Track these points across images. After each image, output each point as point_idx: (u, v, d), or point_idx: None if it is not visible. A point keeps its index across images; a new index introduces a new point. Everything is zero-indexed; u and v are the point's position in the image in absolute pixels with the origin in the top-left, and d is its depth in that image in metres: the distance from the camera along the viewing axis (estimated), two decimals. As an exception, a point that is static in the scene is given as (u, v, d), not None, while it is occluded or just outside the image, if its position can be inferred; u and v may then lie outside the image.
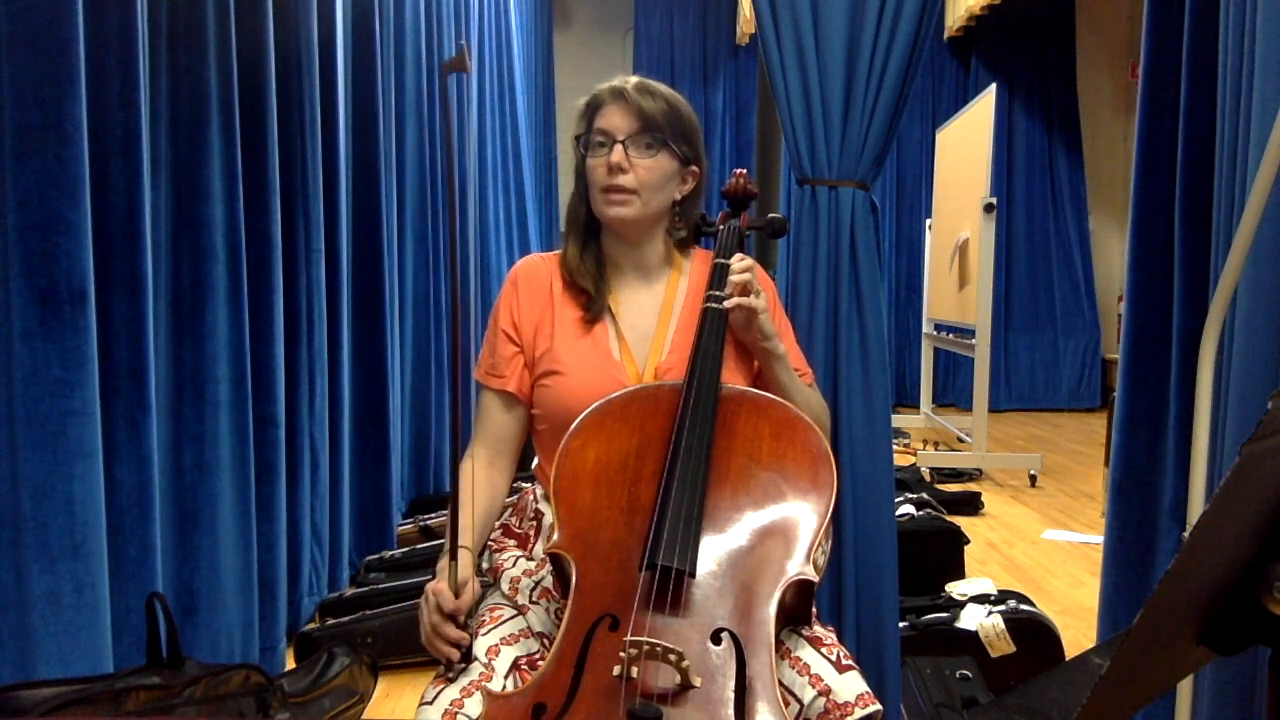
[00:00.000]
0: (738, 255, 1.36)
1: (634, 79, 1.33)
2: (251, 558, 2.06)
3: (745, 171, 1.53)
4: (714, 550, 1.09)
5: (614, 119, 1.30)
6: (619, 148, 1.29)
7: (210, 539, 1.92)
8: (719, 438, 1.18)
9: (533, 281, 1.38)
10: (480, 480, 1.30)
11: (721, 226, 1.45)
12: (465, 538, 1.18)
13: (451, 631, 1.11)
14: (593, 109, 1.34)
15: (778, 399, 1.28)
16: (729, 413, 1.22)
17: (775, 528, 1.11)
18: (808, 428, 1.22)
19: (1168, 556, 1.65)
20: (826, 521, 1.12)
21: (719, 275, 1.33)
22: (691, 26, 7.25)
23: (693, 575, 1.04)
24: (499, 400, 1.35)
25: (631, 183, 1.30)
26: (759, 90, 3.42)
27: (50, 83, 1.39)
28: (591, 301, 1.35)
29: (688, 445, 1.14)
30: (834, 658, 1.11)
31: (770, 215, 1.56)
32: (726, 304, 1.29)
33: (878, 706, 1.06)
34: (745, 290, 1.30)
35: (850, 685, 1.07)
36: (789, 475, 1.16)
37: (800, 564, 1.07)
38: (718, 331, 1.28)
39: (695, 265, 1.43)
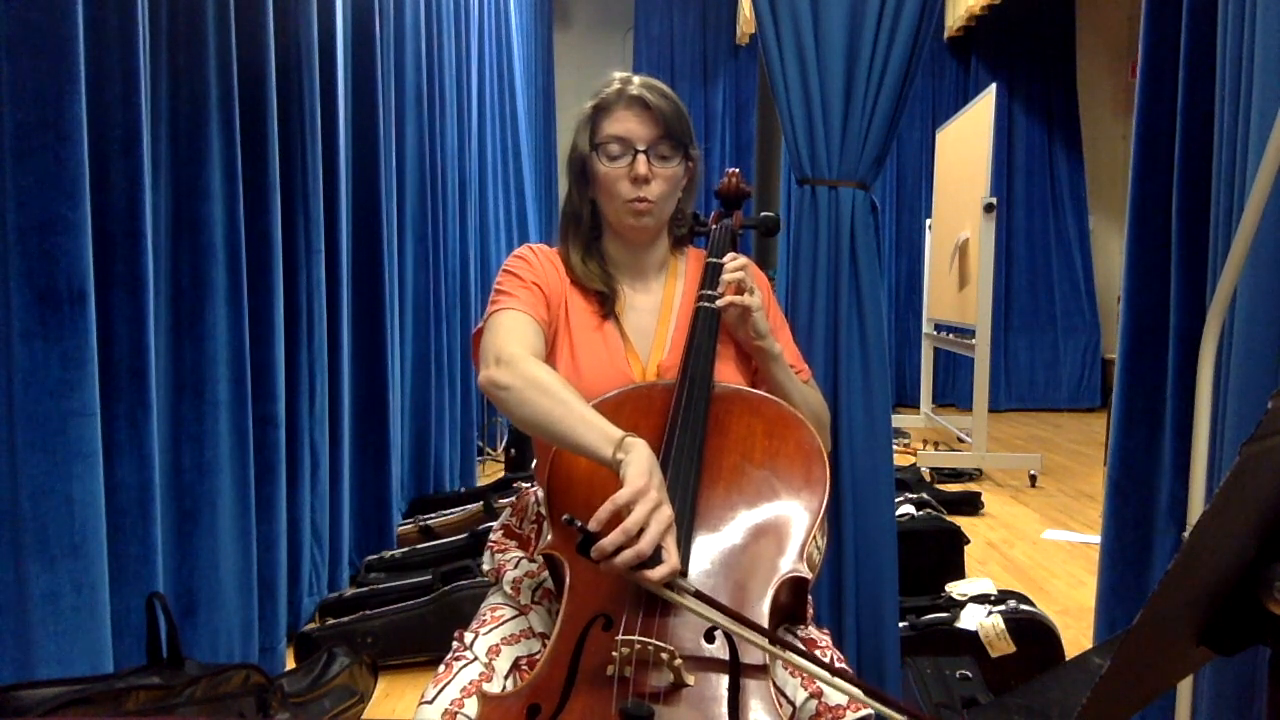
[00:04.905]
0: (730, 254, 1.36)
1: (637, 79, 1.31)
2: (251, 558, 2.06)
3: (738, 171, 1.53)
4: (707, 549, 1.09)
5: (632, 126, 1.28)
6: (642, 158, 1.27)
7: (210, 539, 1.92)
8: (712, 436, 1.18)
9: (550, 265, 1.36)
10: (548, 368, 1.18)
11: (714, 226, 1.45)
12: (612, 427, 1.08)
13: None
14: (600, 112, 1.31)
15: (771, 397, 1.28)
16: (722, 411, 1.22)
17: (768, 526, 1.11)
18: (801, 425, 1.22)
19: (1165, 556, 1.65)
20: (820, 518, 1.12)
21: (711, 274, 1.33)
22: (691, 26, 7.25)
23: (684, 574, 1.04)
24: (531, 322, 1.25)
25: (655, 193, 1.28)
26: (759, 90, 3.43)
27: (50, 82, 1.39)
28: (606, 299, 1.34)
29: (680, 444, 1.14)
30: (827, 660, 1.11)
31: (763, 214, 1.56)
32: (719, 302, 1.29)
33: (869, 710, 1.06)
34: (739, 289, 1.30)
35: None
36: (782, 473, 1.16)
37: (793, 561, 1.07)
38: (711, 330, 1.28)
39: (691, 264, 1.43)
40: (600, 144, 1.30)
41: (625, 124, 1.28)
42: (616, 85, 1.31)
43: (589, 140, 1.31)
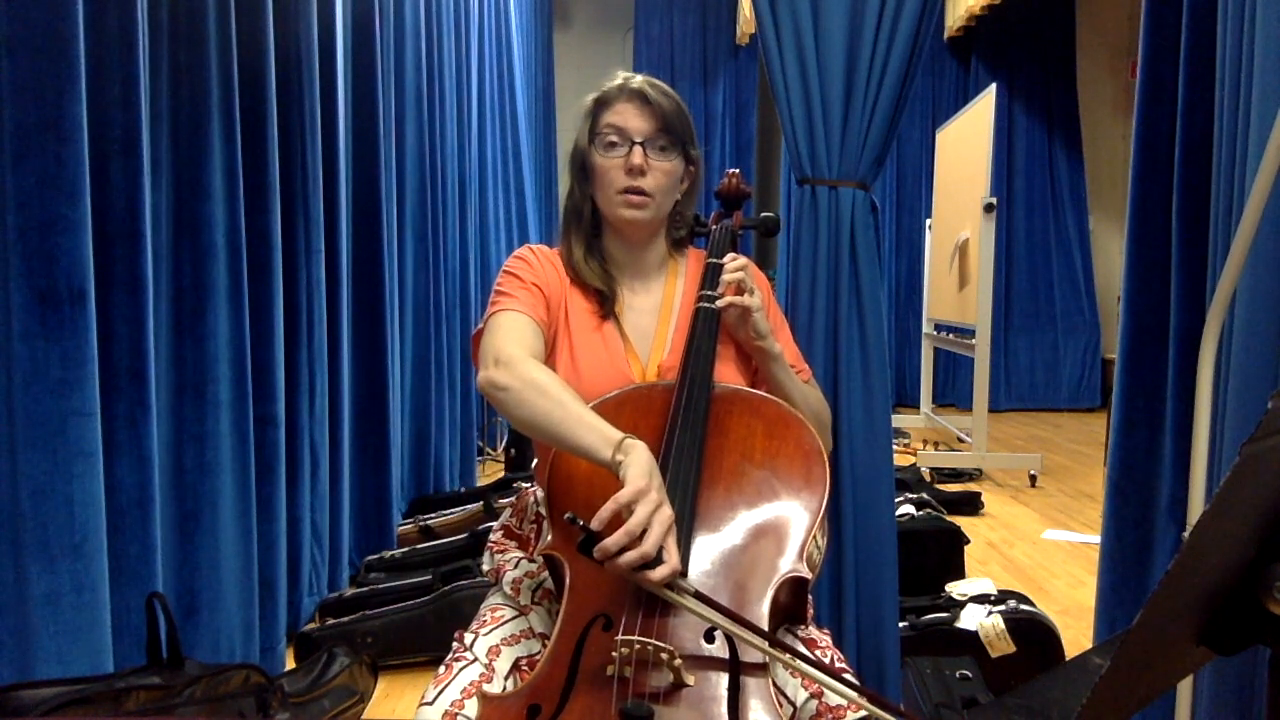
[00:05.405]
0: (730, 254, 1.36)
1: (639, 77, 1.33)
2: (251, 558, 2.06)
3: (739, 171, 1.53)
4: (707, 549, 1.09)
5: (630, 119, 1.29)
6: (638, 149, 1.28)
7: (210, 539, 1.92)
8: (712, 437, 1.18)
9: (549, 266, 1.36)
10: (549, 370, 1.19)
11: (714, 226, 1.45)
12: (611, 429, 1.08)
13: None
14: (601, 106, 1.32)
15: (771, 397, 1.28)
16: (722, 411, 1.22)
17: (768, 526, 1.11)
18: (801, 425, 1.22)
19: (1165, 556, 1.65)
20: (820, 518, 1.12)
21: (711, 275, 1.34)
22: (691, 26, 7.25)
23: (684, 574, 1.04)
24: (531, 323, 1.26)
25: (650, 186, 1.29)
26: (759, 90, 3.42)
27: (50, 83, 1.39)
28: (605, 299, 1.34)
29: (680, 444, 1.14)
30: (827, 660, 1.11)
31: (763, 214, 1.56)
32: (719, 303, 1.29)
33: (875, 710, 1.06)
34: (739, 289, 1.30)
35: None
36: (782, 473, 1.16)
37: (793, 561, 1.07)
38: (710, 330, 1.28)
39: (691, 265, 1.43)
40: (598, 134, 1.31)
41: (623, 116, 1.29)
42: (619, 81, 1.33)
43: (588, 133, 1.32)
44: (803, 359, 1.45)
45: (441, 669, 1.12)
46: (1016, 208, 7.15)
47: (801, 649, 1.12)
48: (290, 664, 2.27)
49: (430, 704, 1.06)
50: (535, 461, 1.39)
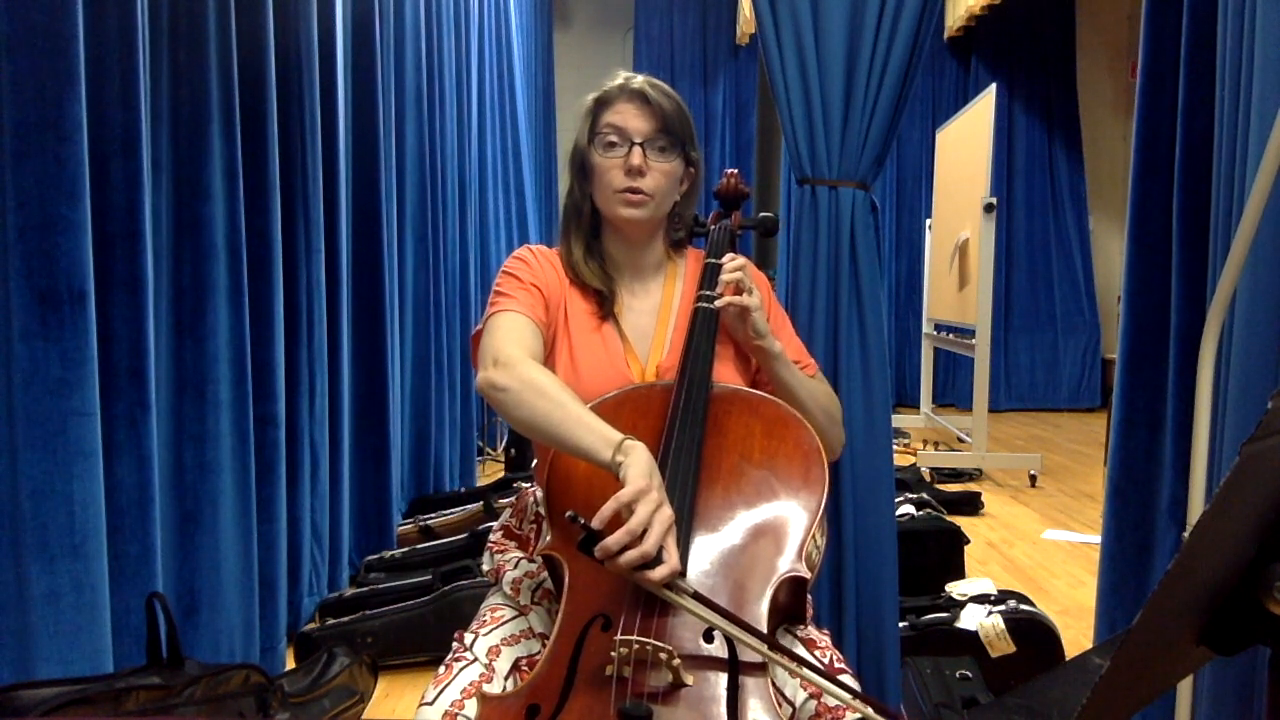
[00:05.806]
0: (729, 255, 1.36)
1: (639, 77, 1.33)
2: (252, 558, 2.06)
3: (737, 171, 1.53)
4: (705, 549, 1.09)
5: (630, 119, 1.29)
6: (638, 150, 1.28)
7: (210, 539, 1.92)
8: (710, 437, 1.18)
9: (548, 267, 1.36)
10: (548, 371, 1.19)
11: (713, 226, 1.45)
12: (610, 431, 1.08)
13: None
14: (601, 105, 1.32)
15: (769, 397, 1.28)
16: (721, 411, 1.22)
17: (767, 526, 1.11)
18: (800, 425, 1.22)
19: (1165, 557, 1.65)
20: (819, 518, 1.12)
21: (710, 275, 1.34)
22: (691, 26, 7.25)
23: (683, 574, 1.04)
24: (530, 324, 1.26)
25: (649, 186, 1.29)
26: (759, 90, 3.43)
27: (50, 82, 1.39)
28: (604, 299, 1.34)
29: (679, 444, 1.14)
30: (827, 660, 1.11)
31: (762, 214, 1.56)
32: (717, 303, 1.29)
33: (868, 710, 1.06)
34: (737, 289, 1.30)
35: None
36: (780, 473, 1.16)
37: (791, 561, 1.07)
38: (709, 330, 1.28)
39: (691, 265, 1.43)
40: (598, 134, 1.31)
41: (623, 116, 1.29)
42: (619, 80, 1.33)
43: (588, 132, 1.32)
44: (806, 353, 1.45)
45: (441, 669, 1.12)
46: (1016, 208, 7.15)
47: (801, 649, 1.12)
48: (290, 664, 2.27)
49: (430, 704, 1.06)
50: (535, 461, 1.39)
